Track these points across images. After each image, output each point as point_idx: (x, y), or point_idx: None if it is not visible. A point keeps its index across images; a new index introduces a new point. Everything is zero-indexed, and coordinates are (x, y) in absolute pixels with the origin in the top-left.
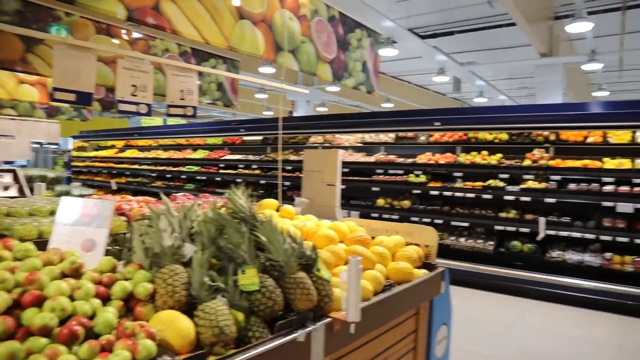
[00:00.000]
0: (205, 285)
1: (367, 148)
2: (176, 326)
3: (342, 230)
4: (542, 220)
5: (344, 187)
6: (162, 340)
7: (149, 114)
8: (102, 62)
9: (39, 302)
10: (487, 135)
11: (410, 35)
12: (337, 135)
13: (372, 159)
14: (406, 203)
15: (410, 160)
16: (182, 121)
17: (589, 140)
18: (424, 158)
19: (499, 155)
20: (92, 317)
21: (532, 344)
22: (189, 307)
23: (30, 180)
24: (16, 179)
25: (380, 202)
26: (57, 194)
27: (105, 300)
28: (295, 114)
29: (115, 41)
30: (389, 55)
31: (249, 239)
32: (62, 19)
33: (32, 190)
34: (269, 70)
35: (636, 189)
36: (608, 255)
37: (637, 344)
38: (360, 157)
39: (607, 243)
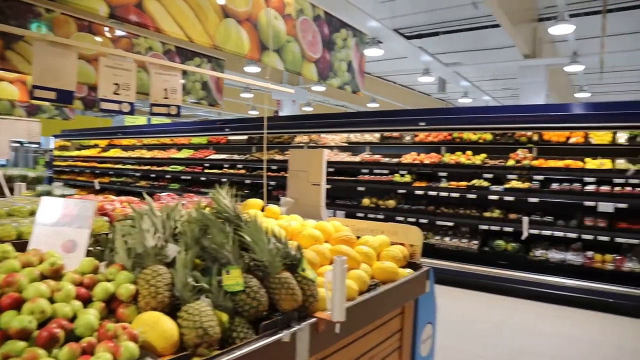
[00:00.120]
0: (189, 286)
1: (353, 148)
2: (159, 327)
3: (327, 230)
4: (525, 220)
5: (329, 186)
6: (144, 342)
7: (131, 112)
8: (84, 59)
9: (17, 305)
10: (471, 136)
11: (396, 36)
12: (322, 135)
13: (357, 158)
14: (391, 203)
15: (395, 160)
16: (167, 120)
17: (571, 140)
18: (409, 158)
19: (483, 155)
20: (72, 319)
21: (515, 342)
22: (172, 308)
23: (10, 180)
24: None
25: (366, 201)
26: (38, 194)
27: (87, 302)
28: (280, 114)
29: (98, 39)
30: (375, 55)
31: (233, 239)
32: (42, 16)
33: (12, 190)
34: (254, 69)
35: (617, 188)
36: (589, 254)
37: (618, 340)
38: (345, 157)
39: (588, 242)
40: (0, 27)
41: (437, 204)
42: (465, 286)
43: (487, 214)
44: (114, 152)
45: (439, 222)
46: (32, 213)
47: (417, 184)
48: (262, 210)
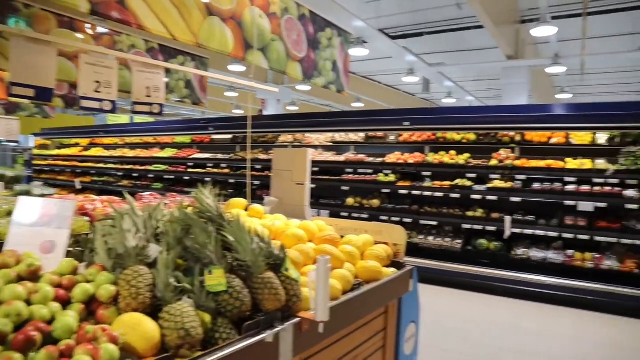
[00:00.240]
0: (171, 287)
1: (337, 147)
2: (140, 329)
3: (311, 230)
4: (507, 219)
5: (313, 186)
6: (125, 344)
7: (113, 111)
8: (64, 57)
9: None
10: (455, 136)
11: (381, 36)
12: (307, 135)
13: (342, 158)
14: (375, 202)
15: (379, 160)
16: (150, 119)
17: (553, 141)
18: (393, 157)
19: (467, 155)
20: (50, 321)
21: (498, 339)
22: (153, 309)
23: None
24: None
25: (350, 201)
26: (16, 194)
27: (66, 303)
28: (265, 113)
29: (79, 36)
30: (359, 55)
31: (216, 239)
32: (21, 11)
33: None
34: (238, 68)
35: (596, 188)
36: (570, 252)
37: (596, 336)
38: (330, 157)
39: (569, 241)
40: None
41: (421, 204)
42: (448, 285)
43: (470, 214)
44: (95, 151)
45: (422, 222)
46: (10, 213)
47: (401, 184)
48: (246, 209)
